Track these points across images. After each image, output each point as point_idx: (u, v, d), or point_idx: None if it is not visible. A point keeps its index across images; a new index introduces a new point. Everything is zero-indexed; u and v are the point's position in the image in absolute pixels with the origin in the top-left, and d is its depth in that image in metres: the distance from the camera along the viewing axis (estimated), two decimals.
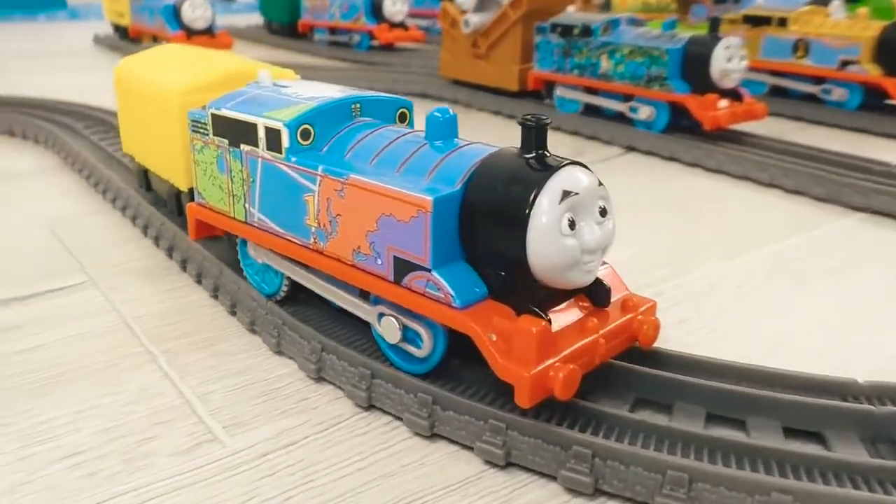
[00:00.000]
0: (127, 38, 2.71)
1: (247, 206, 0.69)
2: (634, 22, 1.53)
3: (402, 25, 2.49)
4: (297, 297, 0.72)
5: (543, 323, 0.50)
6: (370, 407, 0.61)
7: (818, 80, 1.67)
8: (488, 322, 0.52)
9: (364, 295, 0.63)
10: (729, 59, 1.33)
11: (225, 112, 0.68)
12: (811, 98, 1.69)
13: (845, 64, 1.61)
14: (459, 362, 0.60)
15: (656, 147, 1.36)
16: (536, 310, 0.52)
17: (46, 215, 1.07)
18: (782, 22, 1.74)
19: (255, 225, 0.69)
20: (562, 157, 0.53)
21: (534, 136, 0.53)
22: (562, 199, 0.50)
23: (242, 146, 0.67)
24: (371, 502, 0.51)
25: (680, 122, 1.39)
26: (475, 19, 1.72)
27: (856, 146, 1.36)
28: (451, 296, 0.53)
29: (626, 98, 1.45)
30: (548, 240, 0.50)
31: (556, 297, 0.55)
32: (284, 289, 0.71)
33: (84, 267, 0.89)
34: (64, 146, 1.33)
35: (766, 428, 0.56)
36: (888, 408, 0.54)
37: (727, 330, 0.74)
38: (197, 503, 0.51)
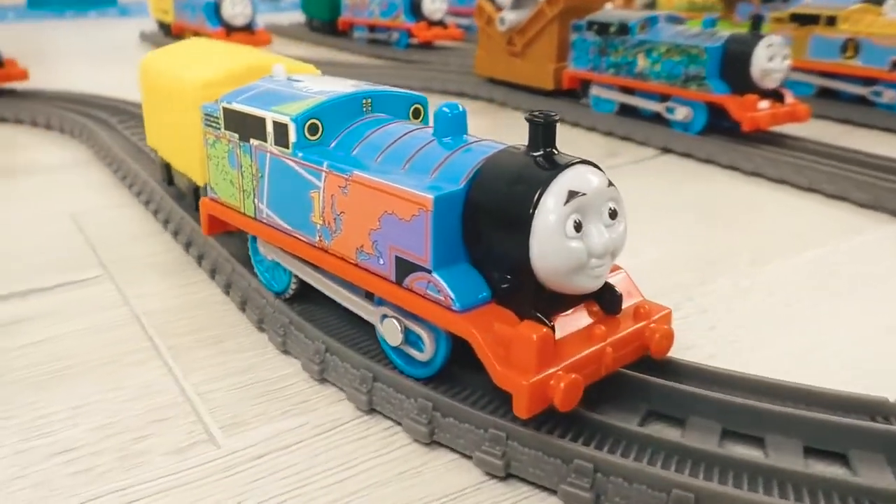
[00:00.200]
0: (171, 35, 2.74)
1: (256, 201, 0.68)
2: (673, 19, 1.48)
3: (441, 23, 2.47)
4: (307, 296, 0.71)
5: (545, 329, 0.48)
6: (371, 411, 0.59)
7: (868, 81, 1.60)
8: (488, 327, 0.50)
9: (370, 295, 0.61)
10: (770, 59, 1.28)
11: (236, 106, 0.67)
12: (861, 100, 1.63)
13: None
14: (463, 367, 0.57)
15: (692, 149, 1.32)
16: (539, 315, 0.49)
17: (72, 208, 1.07)
18: (831, 20, 1.68)
19: (264, 221, 0.68)
20: (571, 156, 0.51)
21: (541, 133, 0.50)
22: (568, 200, 0.48)
23: (252, 140, 0.66)
24: None
25: (720, 124, 1.35)
26: (511, 17, 1.69)
27: None
28: (451, 298, 0.51)
29: (663, 98, 1.41)
30: (552, 242, 0.48)
31: (563, 303, 0.52)
32: (293, 287, 0.70)
33: (102, 260, 0.89)
34: (97, 140, 1.34)
35: (786, 447, 0.52)
36: None
37: (753, 340, 0.70)
38: (190, 503, 0.50)
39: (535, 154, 0.50)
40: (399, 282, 0.55)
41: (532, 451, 0.50)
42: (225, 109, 0.68)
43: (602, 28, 1.49)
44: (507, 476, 0.51)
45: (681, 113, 1.37)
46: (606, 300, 0.54)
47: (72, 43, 3.02)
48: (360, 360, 0.60)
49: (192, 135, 0.80)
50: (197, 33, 2.42)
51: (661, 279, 0.84)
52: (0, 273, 0.86)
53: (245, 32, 2.32)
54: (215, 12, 2.30)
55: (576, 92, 1.62)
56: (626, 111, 1.50)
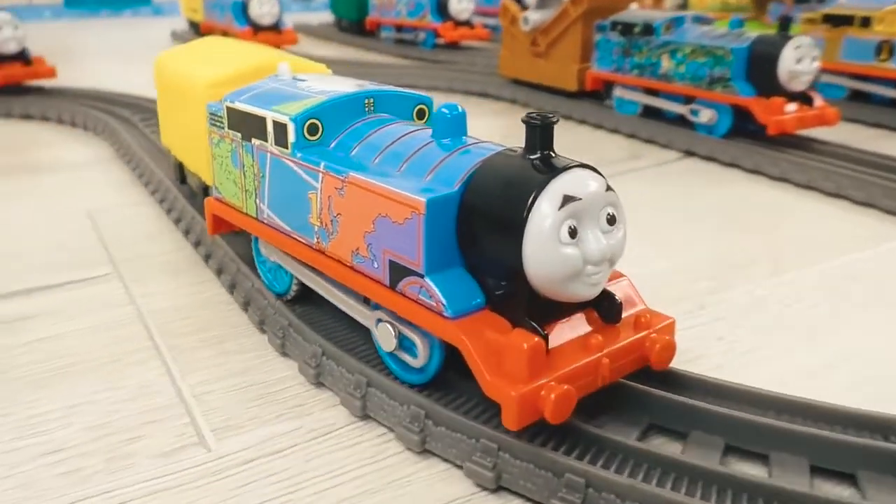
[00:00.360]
0: (200, 34, 2.76)
1: (257, 201, 0.67)
2: (700, 20, 1.45)
3: (467, 23, 2.46)
4: (309, 298, 0.70)
5: (536, 339, 0.46)
6: (365, 417, 0.58)
7: None
8: (480, 335, 0.48)
9: (367, 299, 0.60)
10: (798, 60, 1.25)
11: (238, 105, 0.66)
12: (894, 104, 1.58)
13: None
14: (459, 374, 0.56)
15: (716, 152, 1.29)
16: (533, 324, 0.48)
17: (90, 205, 1.08)
18: (865, 22, 1.63)
19: (265, 222, 0.67)
20: (569, 159, 0.49)
21: (538, 135, 0.49)
22: (562, 205, 0.46)
23: (253, 140, 0.65)
24: None
25: (746, 127, 1.32)
26: (535, 16, 1.67)
27: None
28: (443, 304, 0.50)
29: (688, 100, 1.38)
30: (545, 248, 0.46)
31: (559, 311, 0.51)
32: (294, 288, 0.69)
33: (112, 258, 0.89)
34: (118, 138, 1.35)
35: (791, 465, 0.50)
36: None
37: (766, 352, 0.68)
38: None
39: (531, 157, 0.49)
40: (392, 286, 0.54)
41: (523, 464, 0.49)
42: (228, 108, 0.68)
43: (626, 28, 1.47)
44: (499, 488, 0.50)
45: (705, 115, 1.34)
46: (605, 308, 0.52)
47: (104, 41, 3.06)
48: (356, 364, 0.59)
49: (200, 134, 0.80)
50: (225, 32, 2.43)
51: (676, 286, 0.82)
52: (12, 269, 0.86)
53: (272, 32, 2.33)
54: (243, 11, 2.31)
55: (599, 93, 1.60)
56: (650, 113, 1.48)
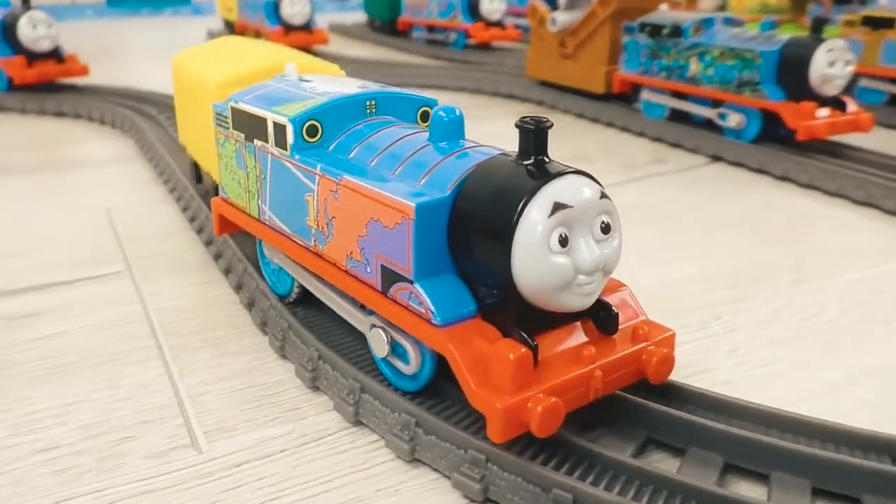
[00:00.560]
0: (234, 33, 2.79)
1: (259, 203, 0.67)
2: (731, 21, 1.42)
3: (499, 24, 2.44)
4: (311, 300, 0.69)
5: (524, 349, 0.45)
6: (358, 423, 0.57)
7: None
8: (467, 343, 0.47)
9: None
10: (831, 64, 1.21)
11: (242, 105, 0.66)
12: None
13: None
14: (452, 382, 0.55)
15: (744, 157, 1.26)
16: (522, 334, 0.46)
17: (109, 203, 1.09)
18: None
19: (266, 223, 0.67)
20: (563, 166, 0.48)
21: (532, 140, 0.47)
22: (553, 212, 0.45)
23: (255, 141, 0.65)
24: None
25: (776, 132, 1.28)
26: (563, 18, 1.65)
27: None
28: (432, 312, 0.48)
29: (716, 104, 1.35)
30: (535, 256, 0.45)
31: (552, 320, 0.49)
32: (296, 290, 0.69)
33: (126, 256, 0.90)
34: (142, 136, 1.37)
35: (793, 487, 0.48)
36: None
37: (779, 365, 0.66)
38: None
39: (524, 162, 0.48)
40: (384, 291, 0.53)
41: (511, 476, 0.47)
42: (233, 109, 0.67)
43: (655, 30, 1.44)
44: (486, 501, 0.49)
45: (733, 119, 1.31)
46: (602, 319, 0.51)
47: (142, 40, 3.11)
48: (350, 369, 0.58)
49: (211, 134, 0.80)
50: (258, 32, 2.45)
51: (692, 296, 0.80)
52: (26, 266, 0.87)
53: (303, 32, 2.34)
54: (274, 11, 2.32)
55: (627, 96, 1.57)
56: (678, 117, 1.45)
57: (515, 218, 0.45)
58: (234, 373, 0.65)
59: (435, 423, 0.51)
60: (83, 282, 0.83)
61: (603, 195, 0.47)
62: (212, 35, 3.04)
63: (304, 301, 0.70)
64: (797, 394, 0.61)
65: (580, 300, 0.47)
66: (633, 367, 0.50)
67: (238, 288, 0.77)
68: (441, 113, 0.55)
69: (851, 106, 1.25)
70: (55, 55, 1.76)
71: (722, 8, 2.97)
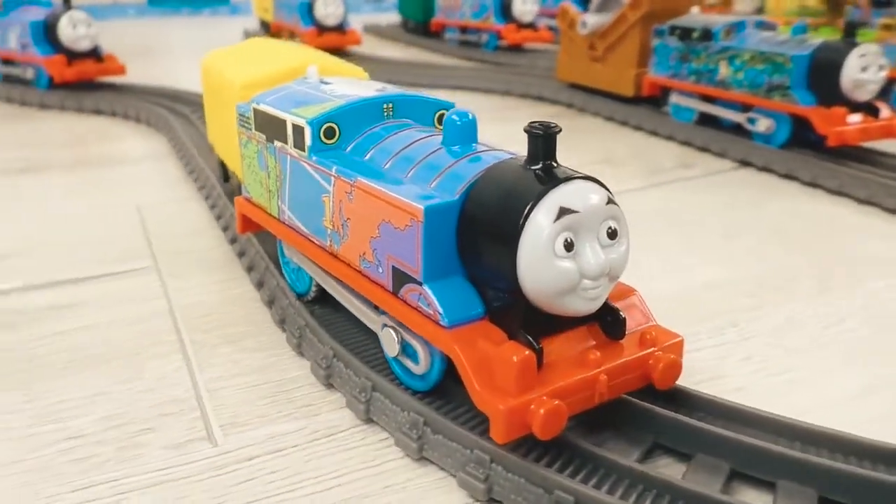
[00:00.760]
0: (270, 33, 2.83)
1: (279, 203, 0.68)
2: (763, 25, 1.40)
3: (531, 26, 2.44)
4: (328, 299, 0.70)
5: (527, 352, 0.45)
6: (369, 421, 0.58)
7: None
8: (473, 345, 0.48)
9: None
10: (864, 69, 1.19)
11: (263, 107, 0.67)
12: None
13: None
14: (461, 382, 0.55)
15: (773, 163, 1.24)
16: (528, 336, 0.47)
17: (141, 200, 1.12)
18: None
19: (286, 223, 0.68)
20: (571, 171, 0.48)
21: (541, 145, 0.48)
22: (558, 217, 0.45)
23: (276, 142, 0.66)
24: None
25: (807, 137, 1.26)
26: (593, 20, 1.65)
27: None
28: (440, 313, 0.49)
29: (745, 108, 1.34)
30: (540, 260, 0.45)
31: (559, 324, 0.50)
32: (314, 289, 0.70)
33: (153, 252, 0.92)
34: (174, 134, 1.40)
35: (799, 496, 0.48)
36: None
37: (795, 374, 0.65)
38: (172, 500, 0.51)
39: (532, 167, 0.48)
40: (395, 292, 0.54)
41: (515, 477, 0.48)
42: (255, 110, 0.69)
43: (685, 33, 1.43)
44: (490, 501, 0.49)
45: (763, 124, 1.30)
46: (609, 323, 0.51)
47: (180, 39, 3.17)
48: (363, 368, 0.59)
49: (236, 134, 0.82)
50: (292, 32, 2.48)
51: (712, 302, 0.79)
52: (56, 261, 0.90)
53: (336, 32, 2.36)
54: (308, 12, 2.35)
55: (656, 99, 1.56)
56: (706, 120, 1.44)
57: (521, 222, 0.46)
58: (252, 368, 0.66)
59: (442, 422, 0.52)
60: (109, 277, 0.85)
61: (610, 201, 0.47)
62: (248, 35, 3.08)
63: (322, 300, 0.71)
64: (811, 403, 0.60)
65: (585, 304, 0.47)
66: (639, 371, 0.51)
67: (259, 285, 0.79)
68: (454, 117, 0.55)
69: (885, 111, 1.23)
70: (94, 54, 1.81)
71: (760, 10, 2.92)
